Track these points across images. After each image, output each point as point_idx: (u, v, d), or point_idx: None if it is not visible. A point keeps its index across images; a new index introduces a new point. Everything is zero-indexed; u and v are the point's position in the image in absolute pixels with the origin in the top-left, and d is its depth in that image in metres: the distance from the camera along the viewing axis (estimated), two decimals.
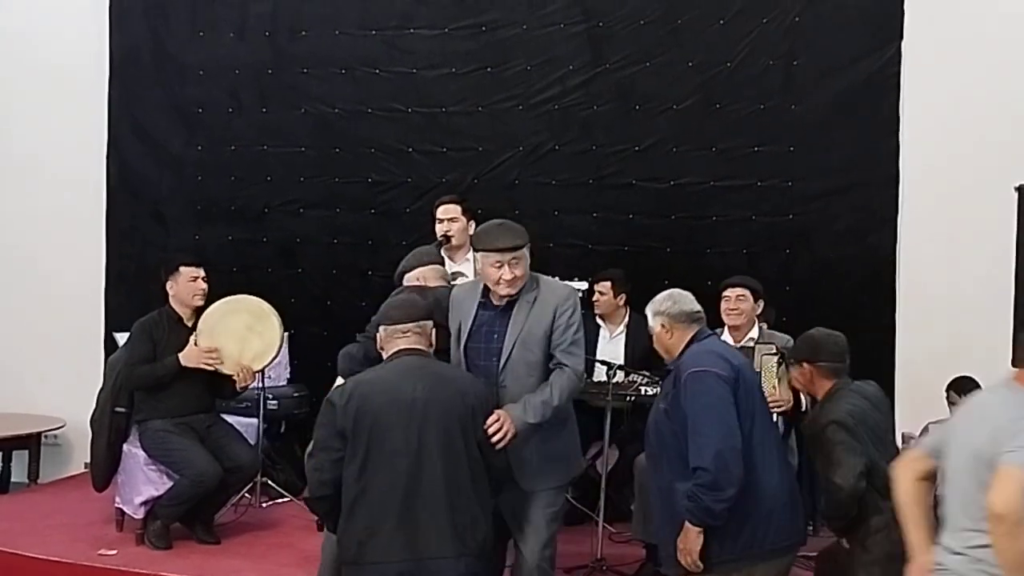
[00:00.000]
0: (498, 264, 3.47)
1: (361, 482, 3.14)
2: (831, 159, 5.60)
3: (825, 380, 3.55)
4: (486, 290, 3.59)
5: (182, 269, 4.85)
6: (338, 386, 3.36)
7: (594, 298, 5.18)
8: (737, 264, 5.49)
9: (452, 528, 3.12)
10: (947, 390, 4.78)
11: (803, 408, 4.47)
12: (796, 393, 4.38)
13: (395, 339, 3.30)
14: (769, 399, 4.26)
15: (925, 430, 4.91)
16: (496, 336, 3.52)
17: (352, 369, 3.67)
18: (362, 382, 3.25)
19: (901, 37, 5.51)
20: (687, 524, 3.20)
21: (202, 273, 4.88)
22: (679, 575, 3.31)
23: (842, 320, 5.38)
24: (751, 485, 3.17)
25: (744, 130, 5.68)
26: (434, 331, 3.39)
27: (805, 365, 3.56)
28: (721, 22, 5.69)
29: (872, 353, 5.42)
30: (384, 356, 3.34)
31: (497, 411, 3.32)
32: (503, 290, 3.50)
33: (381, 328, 3.36)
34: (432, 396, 3.17)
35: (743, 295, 4.63)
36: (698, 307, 3.49)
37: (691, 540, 3.19)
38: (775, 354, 4.39)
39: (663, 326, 3.45)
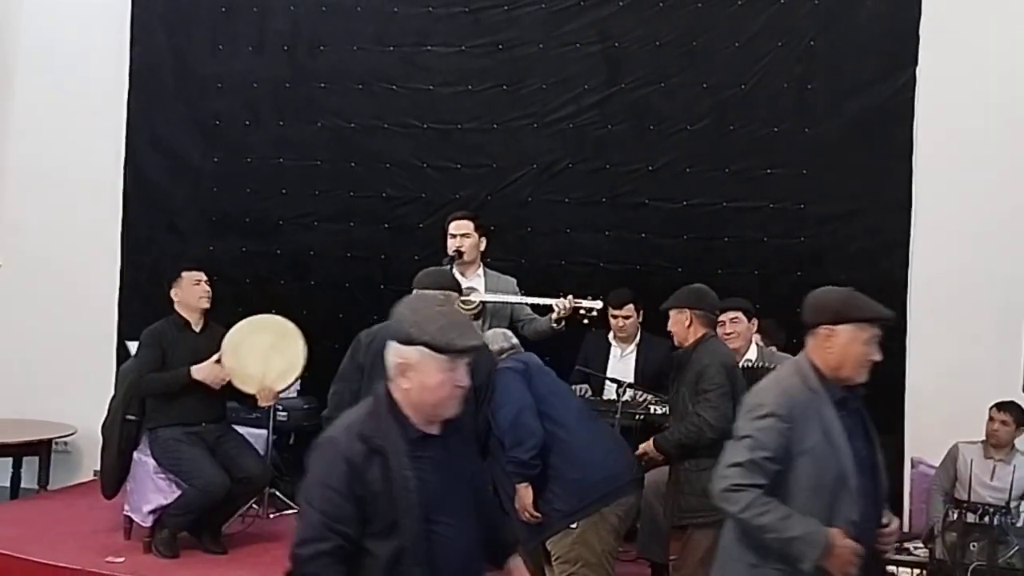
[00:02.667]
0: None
1: None
2: (844, 182, 5.60)
3: (700, 328, 4.00)
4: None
5: (184, 275, 4.90)
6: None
7: (617, 323, 5.17)
8: (748, 285, 5.49)
9: None
10: (996, 409, 4.83)
11: None
12: None
13: None
14: None
15: (955, 448, 4.91)
16: None
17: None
18: (378, 330, 3.70)
19: (916, 62, 5.52)
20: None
21: (204, 277, 4.93)
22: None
23: None
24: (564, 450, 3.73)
25: (757, 152, 5.70)
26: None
27: (686, 311, 3.99)
28: (736, 45, 5.73)
29: (882, 376, 5.37)
30: None
31: None
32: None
33: (415, 292, 3.81)
34: None
35: (736, 317, 4.64)
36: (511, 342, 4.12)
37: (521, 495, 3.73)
38: None
39: None
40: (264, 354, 4.82)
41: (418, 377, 2.37)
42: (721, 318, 4.62)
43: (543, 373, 3.99)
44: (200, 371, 4.72)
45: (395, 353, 2.41)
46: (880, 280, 5.50)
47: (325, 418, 3.81)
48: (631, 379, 4.94)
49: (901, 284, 5.52)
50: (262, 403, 4.84)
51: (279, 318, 4.98)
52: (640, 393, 4.77)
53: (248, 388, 4.78)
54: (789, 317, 5.19)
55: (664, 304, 4.09)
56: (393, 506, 2.33)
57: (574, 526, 3.67)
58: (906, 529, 5.26)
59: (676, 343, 4.12)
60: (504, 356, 4.00)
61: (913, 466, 5.37)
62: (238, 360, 4.77)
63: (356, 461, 2.34)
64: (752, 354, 4.62)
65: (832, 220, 5.63)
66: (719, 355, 3.93)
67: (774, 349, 4.93)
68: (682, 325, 4.00)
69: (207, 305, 4.89)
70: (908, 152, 5.53)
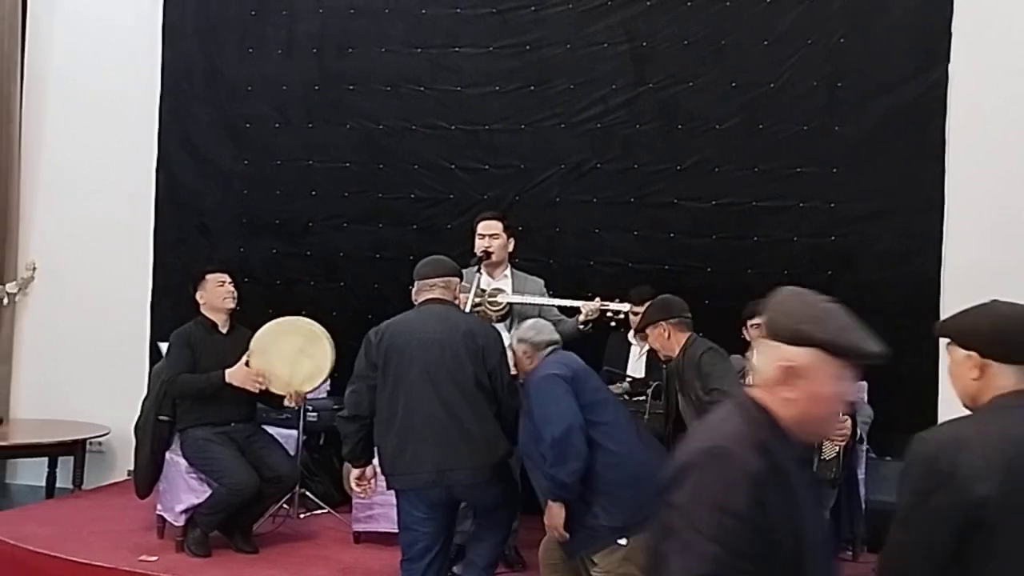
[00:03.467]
0: None
1: (391, 407, 3.75)
2: (874, 181, 5.55)
3: (680, 334, 4.09)
4: None
5: (208, 277, 4.94)
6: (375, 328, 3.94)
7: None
8: (778, 285, 5.41)
9: (467, 445, 3.71)
10: None
11: (858, 436, 4.43)
12: (853, 422, 4.33)
13: (423, 291, 3.96)
14: (836, 429, 4.19)
15: None
16: None
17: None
18: (392, 323, 3.90)
19: (948, 59, 5.46)
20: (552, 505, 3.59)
21: (228, 278, 4.96)
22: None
23: (885, 344, 5.36)
24: (616, 463, 3.58)
25: (787, 151, 5.66)
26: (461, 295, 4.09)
27: (662, 325, 4.06)
28: (765, 43, 5.69)
29: (914, 378, 5.36)
30: (415, 304, 3.98)
31: None
32: None
33: (416, 283, 3.99)
34: (447, 336, 3.78)
35: (757, 323, 4.55)
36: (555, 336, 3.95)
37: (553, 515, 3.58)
38: None
39: (525, 352, 3.86)
40: (292, 357, 4.86)
41: (808, 386, 1.88)
42: (755, 322, 4.59)
43: (588, 376, 3.79)
44: (234, 376, 4.76)
45: (779, 355, 1.91)
46: (912, 280, 5.47)
47: (344, 418, 3.88)
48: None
49: (933, 284, 5.46)
50: (288, 404, 4.88)
51: (308, 320, 5.01)
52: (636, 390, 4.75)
53: (275, 389, 4.82)
54: None
55: (638, 326, 4.28)
56: (796, 543, 1.81)
57: (623, 542, 3.51)
58: None
59: (664, 357, 4.23)
60: (548, 352, 3.84)
61: None
62: (267, 361, 4.81)
63: (760, 479, 1.78)
64: None
65: (863, 219, 5.58)
66: (707, 345, 4.06)
67: None
68: (663, 339, 4.11)
69: (232, 305, 4.93)
70: (940, 150, 5.47)
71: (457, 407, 3.74)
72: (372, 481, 4.03)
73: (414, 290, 4.01)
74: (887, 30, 5.56)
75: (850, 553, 4.78)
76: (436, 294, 3.95)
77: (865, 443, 4.76)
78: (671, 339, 4.09)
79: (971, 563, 2.00)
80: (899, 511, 2.09)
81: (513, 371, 3.89)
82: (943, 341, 2.29)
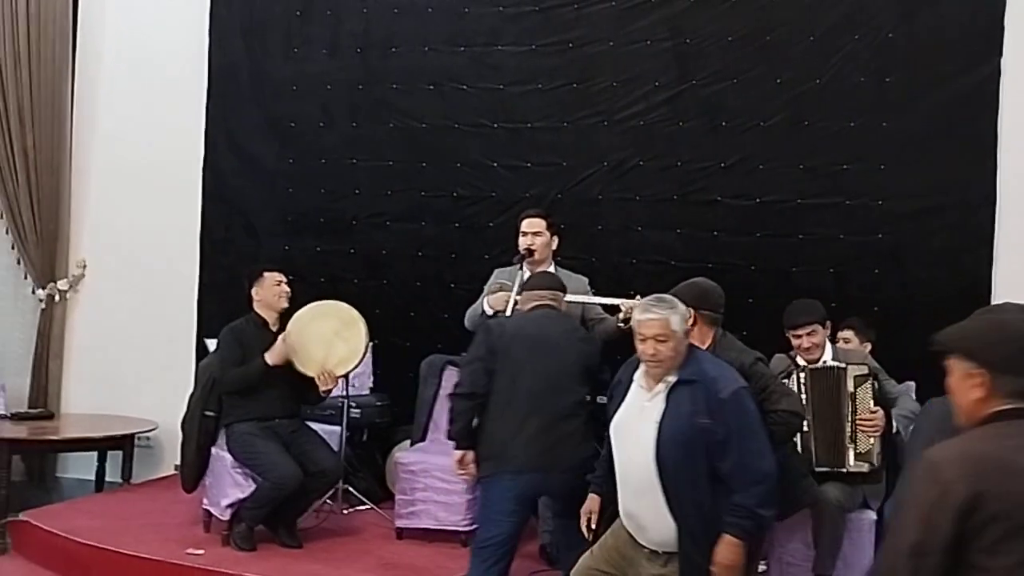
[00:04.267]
0: None
1: (510, 391, 3.96)
2: (924, 178, 5.45)
3: (708, 328, 3.71)
4: None
5: (266, 275, 4.99)
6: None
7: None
8: (824, 284, 5.39)
9: (570, 437, 3.92)
10: None
11: (895, 430, 4.36)
12: (888, 416, 4.27)
13: (533, 300, 4.24)
14: (867, 422, 4.16)
15: None
16: None
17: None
18: (506, 321, 4.29)
19: (1000, 53, 5.34)
20: (732, 539, 3.21)
21: (284, 279, 5.03)
22: None
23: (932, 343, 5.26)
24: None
25: (833, 147, 5.57)
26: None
27: (690, 311, 3.54)
28: (811, 38, 5.61)
29: None
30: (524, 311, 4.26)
31: None
32: None
33: (524, 293, 4.33)
34: (562, 336, 4.10)
35: (813, 331, 4.35)
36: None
37: (738, 555, 3.25)
38: (868, 375, 4.28)
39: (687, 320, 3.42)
40: (328, 339, 4.91)
41: None
42: (798, 332, 4.41)
43: None
44: (272, 355, 4.82)
45: None
46: (962, 279, 5.35)
47: (460, 395, 4.07)
48: None
49: (985, 283, 5.33)
50: (321, 387, 4.89)
51: (344, 304, 5.05)
52: None
53: (309, 370, 4.85)
54: (866, 315, 5.12)
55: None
56: None
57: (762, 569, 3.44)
58: None
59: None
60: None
61: None
62: (302, 342, 4.86)
63: None
64: (828, 354, 4.48)
65: (912, 216, 5.47)
66: (754, 355, 3.71)
67: (868, 347, 4.82)
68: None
69: (286, 306, 4.99)
70: (992, 146, 5.34)
71: (566, 401, 3.97)
72: (472, 467, 4.07)
73: (521, 299, 4.35)
74: (937, 23, 5.45)
75: None
76: (546, 302, 4.23)
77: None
78: (697, 331, 3.63)
79: (979, 560, 1.96)
80: (900, 519, 2.05)
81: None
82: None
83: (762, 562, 4.27)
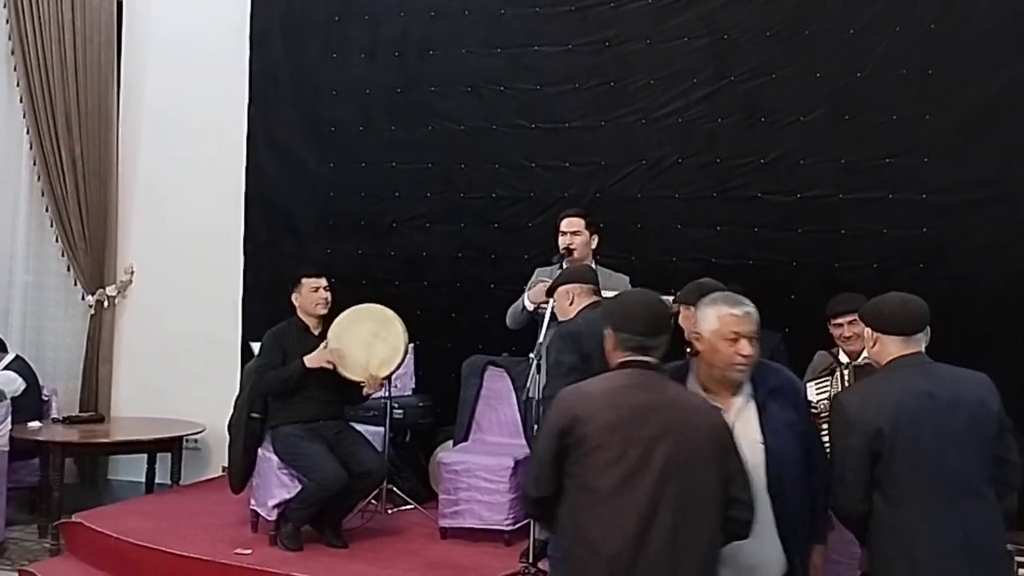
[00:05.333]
0: None
1: None
2: (968, 171, 5.36)
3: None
4: None
5: (304, 281, 5.03)
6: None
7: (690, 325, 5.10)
8: (867, 279, 5.32)
9: None
10: None
11: None
12: None
13: (586, 297, 4.15)
14: None
15: None
16: None
17: None
18: (590, 320, 3.82)
19: None
20: (821, 547, 3.06)
21: (323, 283, 5.04)
22: None
23: (979, 337, 5.20)
24: None
25: (875, 141, 5.51)
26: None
27: (692, 309, 3.20)
28: (851, 32, 5.55)
29: (1011, 371, 5.16)
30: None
31: None
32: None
33: (570, 285, 4.17)
34: None
35: (855, 319, 4.27)
36: None
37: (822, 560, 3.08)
38: None
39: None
40: (367, 341, 4.95)
41: None
42: (839, 321, 4.48)
43: None
44: (312, 359, 4.86)
45: None
46: (1007, 273, 5.27)
47: (546, 398, 3.82)
48: None
49: None
50: (368, 391, 4.95)
51: (377, 305, 5.07)
52: None
53: (354, 376, 4.90)
54: None
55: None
56: None
57: None
58: None
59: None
60: None
61: None
62: (343, 347, 4.91)
63: None
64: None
65: (955, 210, 5.39)
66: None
67: None
68: (689, 322, 3.27)
69: (324, 312, 5.01)
70: None
71: None
72: None
73: (569, 290, 4.20)
74: (981, 15, 5.36)
75: None
76: (596, 299, 4.14)
77: None
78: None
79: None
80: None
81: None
82: None
83: None
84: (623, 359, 2.75)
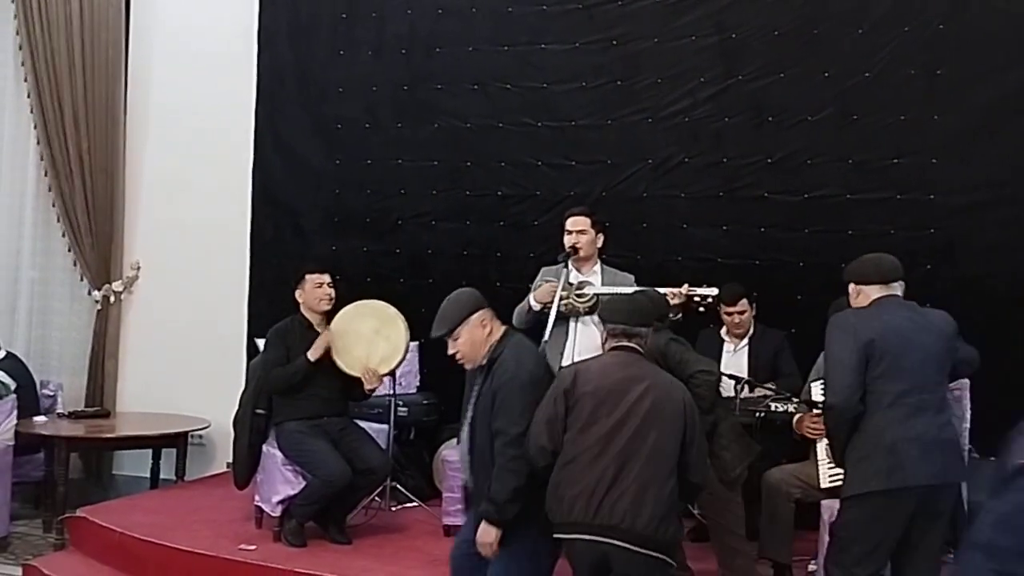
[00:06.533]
0: None
1: None
2: (976, 171, 5.35)
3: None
4: None
5: (307, 277, 5.03)
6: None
7: (732, 320, 5.11)
8: None
9: None
10: None
11: None
12: None
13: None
14: None
15: None
16: None
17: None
18: (658, 332, 4.06)
19: None
20: None
21: (327, 279, 5.04)
22: None
23: (988, 339, 5.16)
24: None
25: (883, 142, 5.50)
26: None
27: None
28: (860, 31, 5.54)
29: (1018, 372, 5.15)
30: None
31: None
32: None
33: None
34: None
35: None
36: None
37: None
38: None
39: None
40: (369, 338, 4.95)
41: None
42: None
43: None
44: (313, 351, 4.86)
45: None
46: (1015, 273, 5.25)
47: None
48: (744, 374, 4.84)
49: None
50: (367, 386, 4.94)
51: (382, 303, 5.07)
52: (759, 389, 4.66)
53: (353, 370, 4.90)
54: None
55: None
56: None
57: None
58: None
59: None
60: None
61: None
62: (344, 343, 4.91)
63: None
64: None
65: (964, 211, 5.38)
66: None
67: None
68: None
69: (327, 308, 5.01)
70: None
71: None
72: None
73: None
74: (989, 15, 5.34)
75: (952, 556, 4.63)
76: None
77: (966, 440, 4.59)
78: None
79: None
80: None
81: None
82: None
83: (811, 561, 4.23)
84: (612, 345, 3.52)
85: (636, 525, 3.20)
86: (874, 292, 3.70)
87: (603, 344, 3.61)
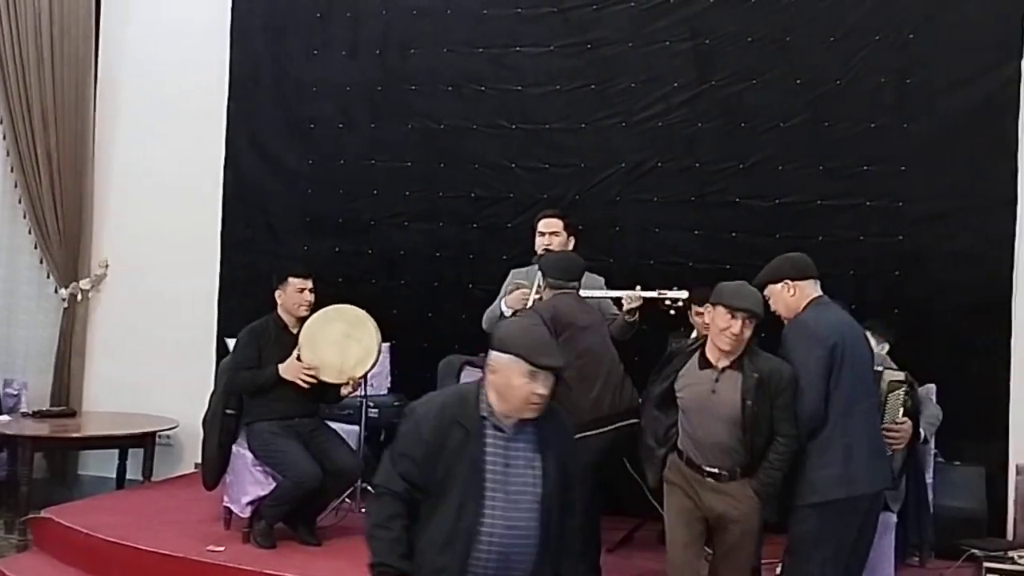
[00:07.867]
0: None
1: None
2: (945, 179, 5.42)
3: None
4: None
5: (291, 280, 4.98)
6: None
7: (702, 321, 5.11)
8: (844, 286, 5.33)
9: None
10: None
11: (922, 439, 4.33)
12: (916, 423, 4.21)
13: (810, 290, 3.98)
14: (893, 432, 4.04)
15: None
16: None
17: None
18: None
19: (1022, 56, 5.31)
20: None
21: (310, 284, 4.99)
22: None
23: (955, 346, 5.25)
24: None
25: (853, 148, 5.56)
26: None
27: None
28: (832, 39, 5.60)
29: (984, 380, 5.23)
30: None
31: None
32: None
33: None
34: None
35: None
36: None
37: None
38: (903, 382, 4.15)
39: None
40: (340, 343, 4.91)
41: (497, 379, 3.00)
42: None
43: None
44: (287, 371, 4.83)
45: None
46: (983, 281, 5.33)
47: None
48: None
49: (1005, 284, 5.31)
50: (344, 392, 4.92)
51: (349, 306, 5.02)
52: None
53: (329, 378, 4.87)
54: (887, 318, 5.10)
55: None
56: None
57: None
58: (1010, 537, 5.08)
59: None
60: None
61: (1018, 473, 5.18)
62: (316, 351, 4.87)
63: None
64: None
65: (932, 218, 5.45)
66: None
67: (885, 347, 4.79)
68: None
69: (305, 314, 4.96)
70: (1013, 148, 5.32)
71: None
72: None
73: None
74: (959, 25, 5.42)
75: (917, 558, 4.69)
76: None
77: (932, 445, 4.65)
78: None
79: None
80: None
81: None
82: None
83: (780, 564, 4.24)
84: (555, 293, 4.27)
85: None
86: (810, 289, 3.73)
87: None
